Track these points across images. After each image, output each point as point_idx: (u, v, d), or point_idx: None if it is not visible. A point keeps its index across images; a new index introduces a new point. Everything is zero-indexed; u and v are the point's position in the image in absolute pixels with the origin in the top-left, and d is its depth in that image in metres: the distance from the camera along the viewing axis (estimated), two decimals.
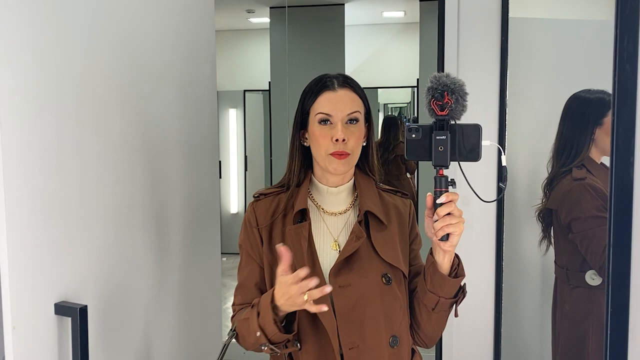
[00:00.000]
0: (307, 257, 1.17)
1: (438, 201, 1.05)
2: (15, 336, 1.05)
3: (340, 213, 1.24)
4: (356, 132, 1.19)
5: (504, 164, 1.09)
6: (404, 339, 1.20)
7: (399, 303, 1.19)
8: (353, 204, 1.25)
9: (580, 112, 1.88)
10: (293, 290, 1.04)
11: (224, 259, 2.23)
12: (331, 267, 1.17)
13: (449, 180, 1.06)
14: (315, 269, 1.17)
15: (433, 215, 1.07)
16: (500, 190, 1.63)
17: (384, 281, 1.17)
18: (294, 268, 1.14)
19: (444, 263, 1.11)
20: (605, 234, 1.71)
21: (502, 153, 1.10)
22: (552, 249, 1.97)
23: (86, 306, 1.15)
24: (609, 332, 0.77)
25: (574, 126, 1.88)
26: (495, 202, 1.77)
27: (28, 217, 1.08)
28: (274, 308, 1.09)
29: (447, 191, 1.06)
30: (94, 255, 1.26)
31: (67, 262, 1.18)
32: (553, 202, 1.88)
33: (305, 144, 1.24)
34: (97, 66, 1.27)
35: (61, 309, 1.15)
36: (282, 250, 1.06)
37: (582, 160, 1.83)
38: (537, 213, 1.96)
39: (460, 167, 1.05)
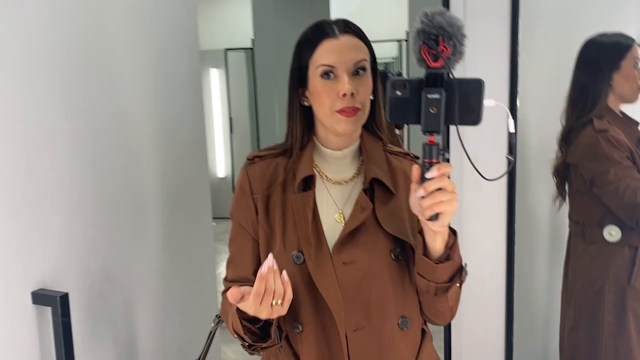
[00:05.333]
0: (312, 230, 1.05)
1: (428, 175, 0.86)
2: None
3: (345, 181, 1.11)
4: (365, 83, 1.04)
5: (511, 130, 0.89)
6: (414, 320, 1.08)
7: (409, 280, 1.07)
8: (359, 171, 1.13)
9: (596, 57, 1.76)
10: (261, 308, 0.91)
11: (214, 224, 2.15)
12: (335, 240, 1.05)
13: (441, 147, 0.86)
14: (321, 244, 1.05)
15: (420, 190, 0.88)
16: (508, 163, 1.46)
17: (393, 257, 1.05)
18: (295, 244, 1.04)
19: (436, 245, 0.94)
20: (637, 183, 1.62)
21: (509, 116, 0.90)
22: (565, 205, 1.89)
23: (67, 294, 1.04)
24: None
25: (589, 72, 1.76)
26: (505, 164, 1.64)
27: (1, 200, 0.96)
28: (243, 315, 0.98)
29: (439, 162, 0.86)
30: (73, 237, 1.15)
31: (44, 248, 1.07)
32: (573, 156, 1.77)
33: (305, 103, 1.09)
34: (64, 27, 1.12)
35: (40, 297, 1.04)
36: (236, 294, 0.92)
37: (601, 109, 1.73)
38: (552, 169, 1.87)
39: (458, 134, 0.85)
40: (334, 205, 1.10)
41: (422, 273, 0.99)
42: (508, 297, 1.76)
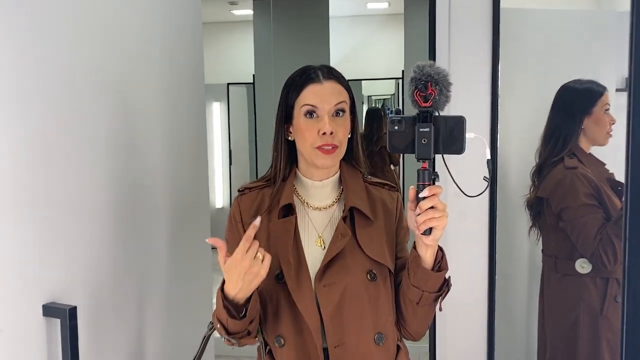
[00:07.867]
0: (292, 253, 1.15)
1: (420, 195, 1.02)
2: (2, 339, 1.02)
3: (325, 208, 1.22)
4: (343, 124, 1.17)
5: (487, 157, 1.06)
6: (389, 335, 1.18)
7: (384, 299, 1.18)
8: (338, 199, 1.23)
9: (570, 102, 1.90)
10: (245, 263, 1.02)
11: (211, 253, 2.20)
12: (315, 262, 1.16)
13: (433, 173, 1.04)
14: (301, 266, 1.15)
15: (416, 208, 1.04)
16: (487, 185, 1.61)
17: (369, 278, 1.16)
18: (278, 265, 1.14)
19: (427, 257, 1.09)
20: (596, 222, 1.73)
21: (486, 146, 1.07)
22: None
23: (75, 307, 1.11)
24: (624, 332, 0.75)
25: (563, 115, 1.90)
26: (487, 195, 1.76)
27: (14, 216, 1.04)
28: (225, 297, 1.07)
29: (431, 184, 1.03)
30: (82, 254, 1.23)
31: (56, 262, 1.15)
32: (544, 190, 1.90)
33: (289, 138, 1.22)
34: (81, 61, 1.23)
35: (50, 310, 1.11)
36: (216, 242, 1.06)
37: (572, 149, 1.85)
38: (525, 202, 1.97)
39: (444, 161, 1.03)
40: (314, 230, 1.20)
41: (415, 282, 1.11)
42: (490, 327, 1.83)
